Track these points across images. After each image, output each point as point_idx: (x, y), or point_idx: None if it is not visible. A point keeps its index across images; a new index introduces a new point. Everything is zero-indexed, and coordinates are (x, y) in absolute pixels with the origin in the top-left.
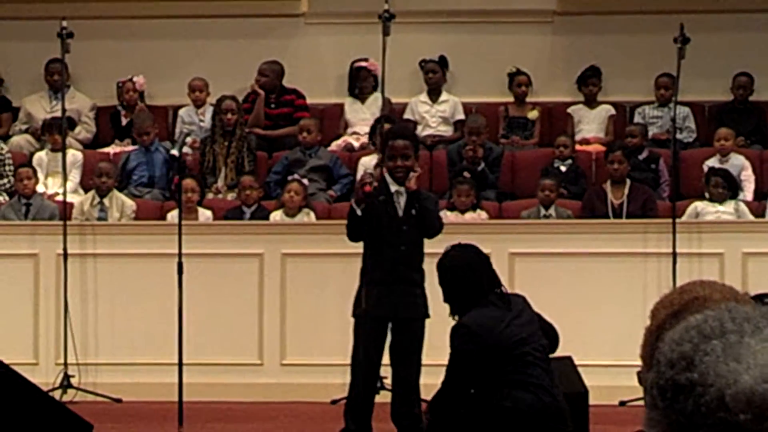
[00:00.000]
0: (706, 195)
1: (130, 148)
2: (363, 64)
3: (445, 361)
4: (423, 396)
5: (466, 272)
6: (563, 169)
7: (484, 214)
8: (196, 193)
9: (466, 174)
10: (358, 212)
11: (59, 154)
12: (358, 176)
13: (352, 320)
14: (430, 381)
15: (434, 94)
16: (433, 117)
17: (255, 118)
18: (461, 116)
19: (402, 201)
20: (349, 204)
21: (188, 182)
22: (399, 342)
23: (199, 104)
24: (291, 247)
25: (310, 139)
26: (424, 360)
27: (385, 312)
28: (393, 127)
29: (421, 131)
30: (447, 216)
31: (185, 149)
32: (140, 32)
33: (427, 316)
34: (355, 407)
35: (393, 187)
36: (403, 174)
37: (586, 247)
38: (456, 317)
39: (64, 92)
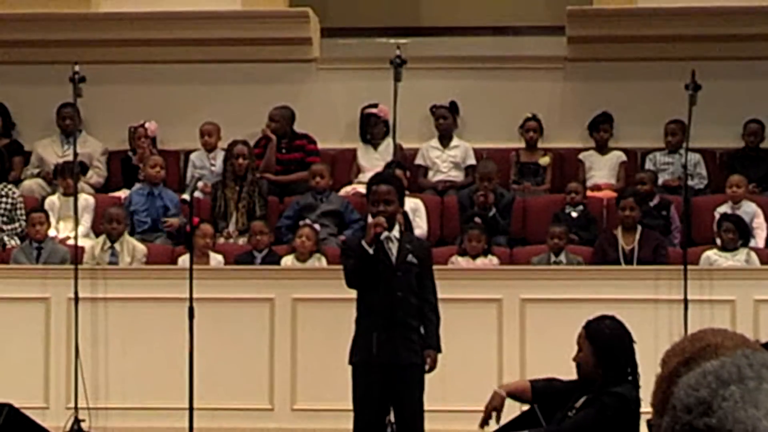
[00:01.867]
0: (718, 242)
1: (136, 187)
2: (373, 111)
3: (448, 407)
4: None
5: (621, 344)
6: (574, 215)
7: (495, 260)
8: (212, 239)
9: (477, 219)
10: (370, 251)
11: (71, 199)
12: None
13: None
14: (438, 427)
15: (445, 140)
16: (444, 162)
17: (267, 163)
18: (472, 161)
19: (394, 247)
20: (354, 246)
21: (206, 228)
22: (400, 388)
23: (210, 149)
24: (302, 292)
25: (324, 184)
26: (427, 406)
27: (383, 358)
28: (377, 174)
29: (432, 176)
30: (458, 261)
31: (196, 194)
32: (152, 77)
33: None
34: None
35: (383, 234)
36: (387, 219)
37: (597, 294)
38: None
39: (75, 136)
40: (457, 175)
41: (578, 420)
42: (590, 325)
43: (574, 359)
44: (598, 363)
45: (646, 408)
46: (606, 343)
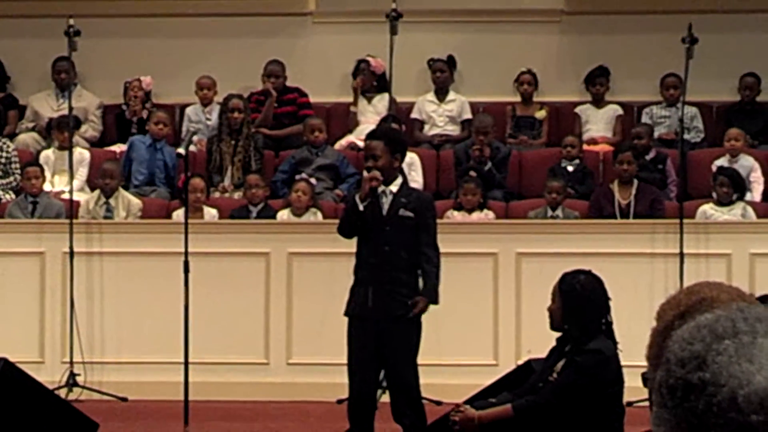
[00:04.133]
0: (714, 195)
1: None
2: (367, 58)
3: (443, 361)
4: (426, 395)
5: (592, 302)
6: (570, 168)
7: (491, 214)
8: (204, 193)
9: (473, 173)
10: (361, 207)
11: (66, 153)
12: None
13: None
14: (433, 381)
15: (441, 94)
16: (440, 116)
17: (264, 118)
18: (468, 115)
19: (387, 202)
20: (350, 198)
21: (197, 182)
22: (389, 342)
23: (206, 103)
24: (297, 246)
25: (321, 138)
26: (422, 360)
27: (373, 312)
28: (372, 130)
29: (428, 130)
30: (454, 215)
31: (191, 148)
32: (147, 31)
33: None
34: (354, 408)
35: (379, 188)
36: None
37: (593, 247)
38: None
39: (71, 90)
40: (453, 129)
41: (557, 385)
42: (564, 279)
43: (548, 309)
44: (565, 317)
45: (628, 361)
46: (575, 299)
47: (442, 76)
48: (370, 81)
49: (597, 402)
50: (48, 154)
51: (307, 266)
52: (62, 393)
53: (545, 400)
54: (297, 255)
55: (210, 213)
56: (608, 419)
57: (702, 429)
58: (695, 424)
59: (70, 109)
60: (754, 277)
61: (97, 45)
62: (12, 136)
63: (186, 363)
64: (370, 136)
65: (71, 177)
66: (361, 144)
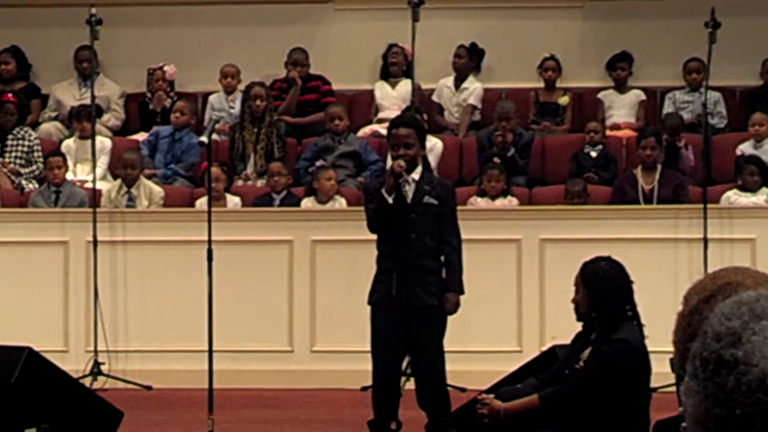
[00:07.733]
0: (740, 182)
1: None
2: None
3: (467, 348)
4: (450, 382)
5: (616, 287)
6: (594, 154)
7: (514, 200)
8: (222, 182)
9: (496, 159)
10: (390, 201)
11: (88, 142)
12: (388, 164)
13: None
14: (457, 368)
15: (459, 81)
16: (455, 106)
17: (287, 106)
18: (474, 102)
19: (411, 189)
20: (371, 191)
21: (214, 171)
22: (417, 330)
23: (230, 91)
24: (320, 233)
25: (342, 126)
26: (447, 347)
27: (400, 300)
28: (397, 116)
29: (448, 118)
30: (477, 202)
31: (214, 136)
32: (169, 19)
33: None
34: (379, 396)
35: (402, 177)
36: (408, 162)
37: (616, 233)
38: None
39: (93, 79)
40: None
41: (583, 374)
42: (585, 268)
43: (572, 301)
44: (591, 306)
45: (653, 347)
46: (599, 286)
47: (459, 61)
48: (403, 63)
49: (623, 390)
50: (69, 143)
51: (330, 254)
52: (87, 382)
53: (571, 389)
54: (320, 242)
55: (233, 201)
56: (634, 406)
57: (728, 406)
58: (722, 400)
59: (93, 98)
60: None
61: (119, 34)
62: (35, 126)
63: (210, 351)
64: (400, 124)
65: (94, 166)
66: (384, 132)
